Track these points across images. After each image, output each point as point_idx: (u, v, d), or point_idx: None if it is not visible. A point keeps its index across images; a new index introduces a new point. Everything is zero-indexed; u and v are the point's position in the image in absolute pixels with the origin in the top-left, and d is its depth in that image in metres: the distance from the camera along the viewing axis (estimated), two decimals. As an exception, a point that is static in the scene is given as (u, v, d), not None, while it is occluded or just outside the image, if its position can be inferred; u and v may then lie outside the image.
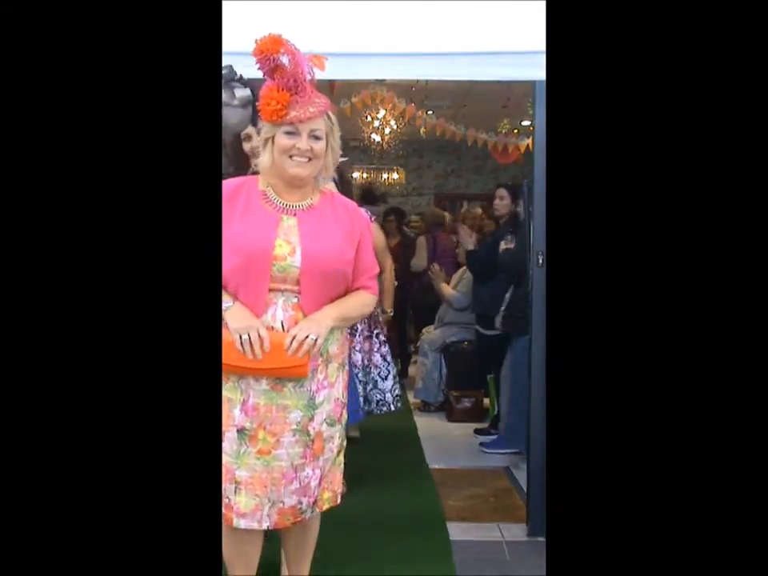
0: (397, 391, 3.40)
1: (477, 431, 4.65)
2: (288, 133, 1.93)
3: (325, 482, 2.03)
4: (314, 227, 1.98)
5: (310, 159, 1.95)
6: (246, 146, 2.48)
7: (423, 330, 5.84)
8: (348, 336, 2.21)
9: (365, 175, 9.10)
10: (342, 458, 2.12)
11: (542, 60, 1.54)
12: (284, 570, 2.36)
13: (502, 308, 4.26)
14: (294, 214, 1.98)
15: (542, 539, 2.97)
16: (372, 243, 2.13)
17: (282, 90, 1.90)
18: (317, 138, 1.95)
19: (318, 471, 2.00)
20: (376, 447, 4.30)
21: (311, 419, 1.96)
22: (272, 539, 2.30)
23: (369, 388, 3.21)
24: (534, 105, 3.01)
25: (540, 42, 1.64)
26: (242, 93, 2.39)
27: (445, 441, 4.48)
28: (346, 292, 2.04)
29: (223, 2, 1.47)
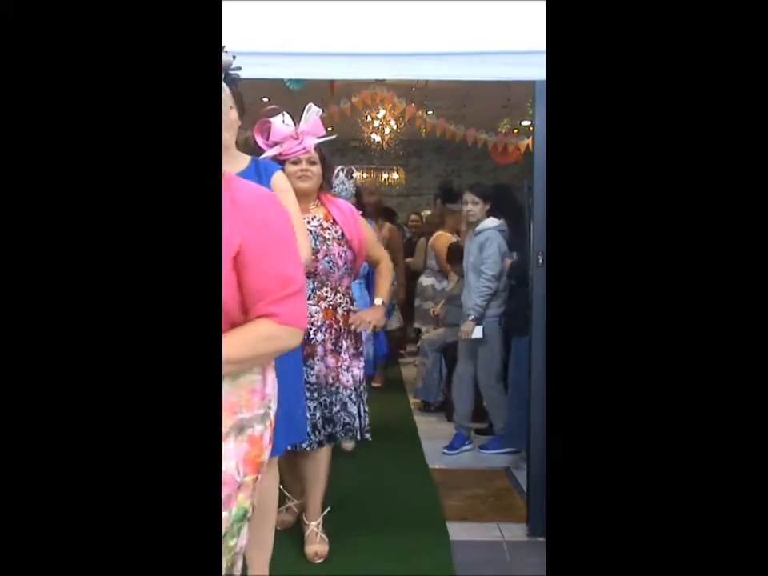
0: (367, 420, 2.96)
1: (477, 431, 4.66)
2: None
3: None
4: None
5: None
6: None
7: (423, 330, 5.85)
8: (268, 381, 1.59)
9: (365, 175, 9.11)
10: (233, 542, 1.53)
11: (542, 60, 1.54)
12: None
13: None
14: None
15: (542, 539, 2.97)
16: (280, 246, 1.54)
17: None
18: None
19: None
20: (376, 447, 4.30)
21: None
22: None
23: (335, 409, 2.94)
24: (534, 105, 3.02)
25: (540, 42, 1.64)
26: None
27: (445, 441, 4.48)
28: (234, 326, 1.50)
29: (223, 2, 1.46)
